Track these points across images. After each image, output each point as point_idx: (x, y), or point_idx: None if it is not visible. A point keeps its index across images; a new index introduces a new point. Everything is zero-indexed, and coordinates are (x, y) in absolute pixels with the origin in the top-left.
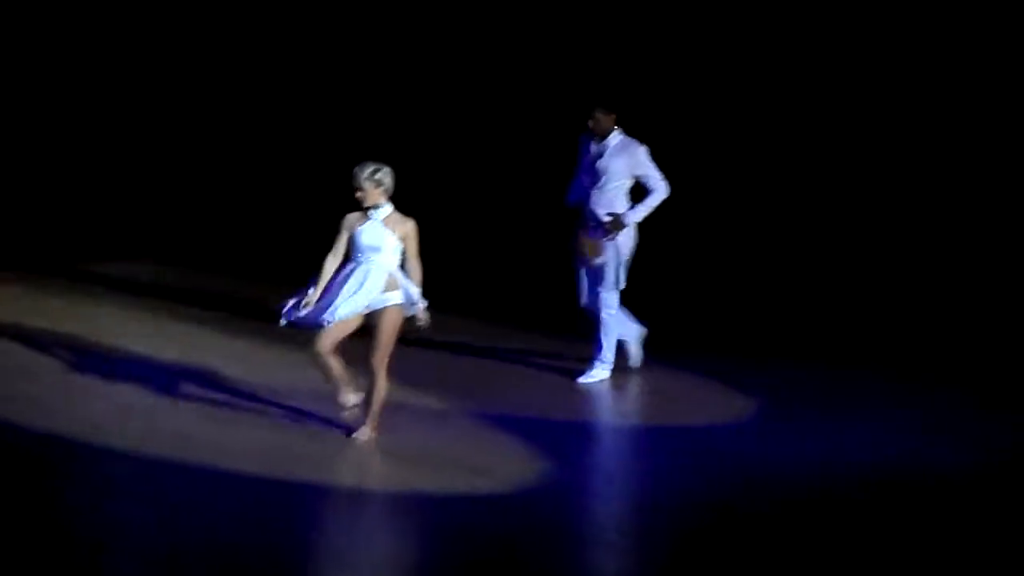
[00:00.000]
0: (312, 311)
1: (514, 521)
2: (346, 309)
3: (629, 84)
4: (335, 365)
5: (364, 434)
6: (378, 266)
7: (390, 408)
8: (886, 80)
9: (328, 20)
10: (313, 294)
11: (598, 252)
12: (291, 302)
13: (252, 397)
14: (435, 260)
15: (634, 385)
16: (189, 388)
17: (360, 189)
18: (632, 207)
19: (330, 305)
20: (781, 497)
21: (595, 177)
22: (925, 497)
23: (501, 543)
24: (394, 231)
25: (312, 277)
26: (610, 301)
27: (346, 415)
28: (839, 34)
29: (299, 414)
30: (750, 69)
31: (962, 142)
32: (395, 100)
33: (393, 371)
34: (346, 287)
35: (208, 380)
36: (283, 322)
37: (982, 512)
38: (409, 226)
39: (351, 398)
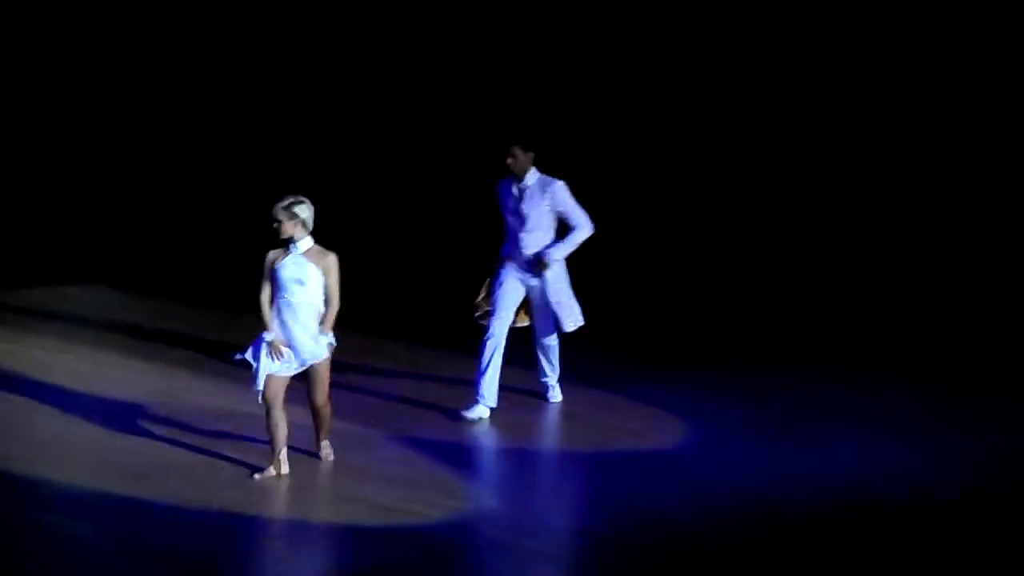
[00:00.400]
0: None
1: (441, 552)
2: (285, 371)
3: (549, 119)
4: (282, 426)
5: (327, 451)
6: (305, 305)
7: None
8: (878, 76)
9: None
10: (276, 342)
11: (524, 320)
12: (250, 352)
13: (194, 423)
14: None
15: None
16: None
17: (277, 222)
18: (554, 243)
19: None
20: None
21: (520, 220)
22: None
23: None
24: (316, 264)
25: (256, 337)
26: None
27: (257, 478)
28: (826, 32)
29: (243, 441)
30: (734, 70)
31: (957, 141)
32: (329, 129)
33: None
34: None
35: (154, 409)
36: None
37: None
38: (330, 259)
39: (273, 470)
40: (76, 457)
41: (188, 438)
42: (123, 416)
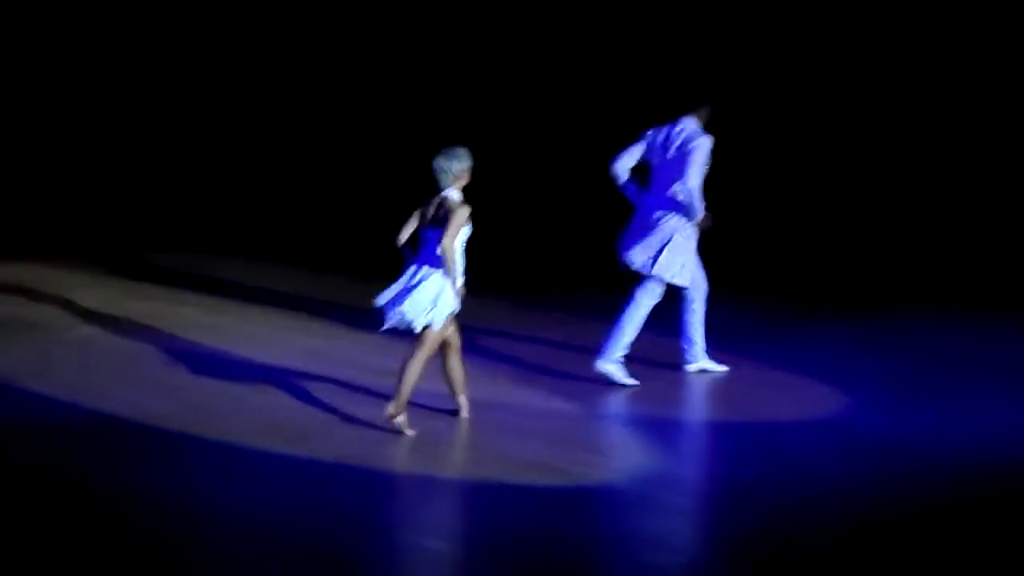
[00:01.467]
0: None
1: (580, 518)
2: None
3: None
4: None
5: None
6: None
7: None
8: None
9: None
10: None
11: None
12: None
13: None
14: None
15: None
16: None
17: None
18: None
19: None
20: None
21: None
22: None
23: (564, 540)
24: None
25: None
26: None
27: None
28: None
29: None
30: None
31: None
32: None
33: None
34: None
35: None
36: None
37: None
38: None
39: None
40: (233, 416)
41: (344, 396)
42: (279, 376)
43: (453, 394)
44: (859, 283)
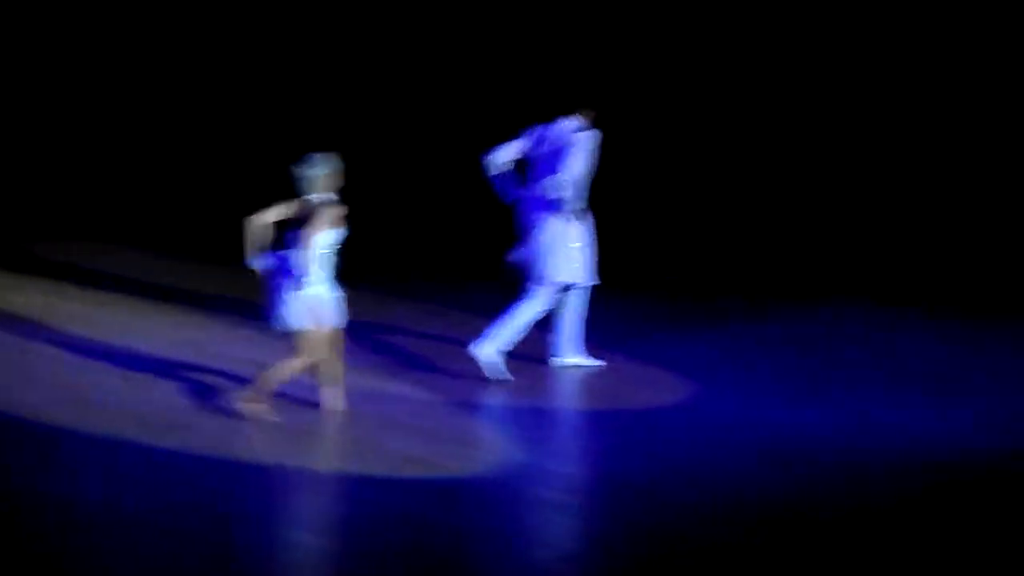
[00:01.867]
0: None
1: (454, 512)
2: None
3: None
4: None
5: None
6: None
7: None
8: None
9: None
10: None
11: None
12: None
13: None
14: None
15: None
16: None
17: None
18: None
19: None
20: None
21: None
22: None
23: (438, 533)
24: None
25: None
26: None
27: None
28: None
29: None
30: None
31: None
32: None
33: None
34: None
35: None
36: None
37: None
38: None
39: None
40: (106, 409)
41: (216, 388)
42: (153, 367)
43: (322, 385)
44: (752, 278)
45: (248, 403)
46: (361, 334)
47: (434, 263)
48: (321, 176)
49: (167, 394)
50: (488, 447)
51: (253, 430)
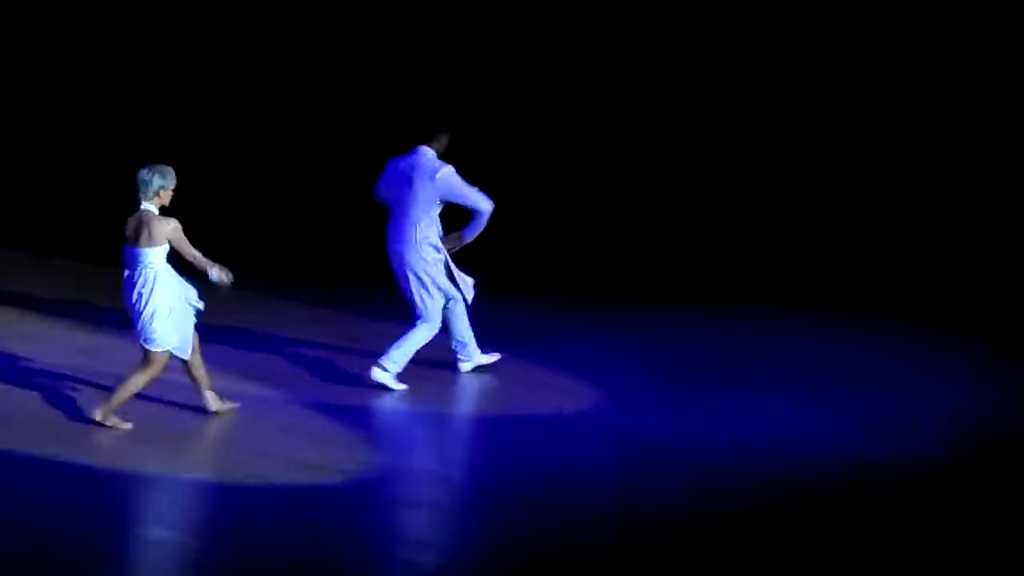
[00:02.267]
0: None
1: (341, 516)
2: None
3: None
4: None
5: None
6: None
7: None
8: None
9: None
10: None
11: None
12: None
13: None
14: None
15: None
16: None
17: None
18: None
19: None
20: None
21: None
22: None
23: (324, 537)
24: None
25: None
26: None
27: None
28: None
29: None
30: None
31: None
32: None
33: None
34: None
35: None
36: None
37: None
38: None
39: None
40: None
41: (97, 395)
42: (51, 376)
43: (199, 390)
44: (660, 282)
45: (106, 417)
46: (254, 340)
47: (318, 267)
48: (159, 187)
49: (65, 403)
50: (375, 451)
51: (143, 438)
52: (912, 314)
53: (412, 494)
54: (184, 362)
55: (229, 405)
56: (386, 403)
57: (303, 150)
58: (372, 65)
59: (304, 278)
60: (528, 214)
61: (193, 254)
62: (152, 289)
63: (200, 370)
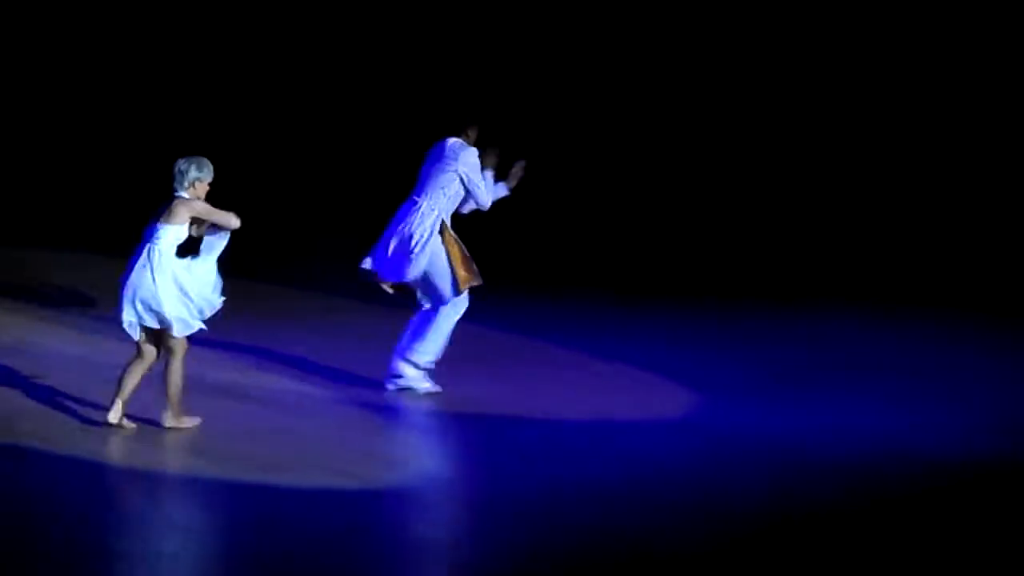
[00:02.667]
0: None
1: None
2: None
3: None
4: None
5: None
6: None
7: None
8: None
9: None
10: None
11: None
12: None
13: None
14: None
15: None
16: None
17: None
18: None
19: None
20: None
21: None
22: None
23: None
24: None
25: None
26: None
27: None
28: None
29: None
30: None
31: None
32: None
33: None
34: None
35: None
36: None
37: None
38: None
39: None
40: None
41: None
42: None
43: (124, 395)
44: (744, 278)
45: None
46: (264, 335)
47: (301, 271)
48: (194, 179)
49: (49, 402)
50: (364, 455)
51: (114, 434)
52: (1007, 313)
53: (460, 495)
54: (142, 355)
55: (130, 425)
56: (382, 404)
57: (328, 145)
58: (398, 60)
59: (318, 273)
60: (592, 211)
61: (221, 214)
62: (151, 268)
63: (135, 380)
